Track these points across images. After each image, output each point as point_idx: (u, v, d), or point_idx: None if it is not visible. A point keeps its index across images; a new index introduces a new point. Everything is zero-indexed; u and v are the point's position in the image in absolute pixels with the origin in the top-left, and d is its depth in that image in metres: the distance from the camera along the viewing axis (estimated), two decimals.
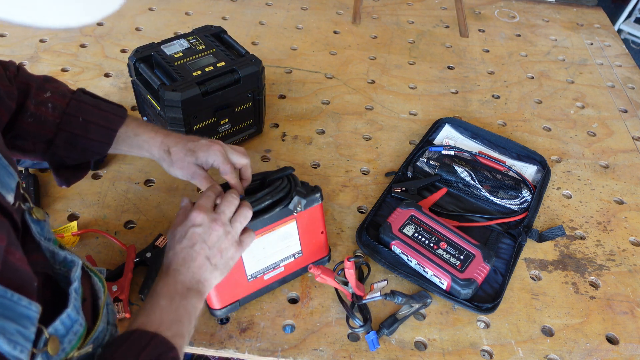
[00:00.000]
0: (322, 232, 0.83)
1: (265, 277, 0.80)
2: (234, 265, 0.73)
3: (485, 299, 0.83)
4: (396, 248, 0.86)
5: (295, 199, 0.76)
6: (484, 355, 0.78)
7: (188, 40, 1.00)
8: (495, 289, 0.85)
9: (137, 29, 1.36)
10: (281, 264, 0.80)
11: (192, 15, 1.43)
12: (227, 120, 0.99)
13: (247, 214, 0.68)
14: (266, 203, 0.74)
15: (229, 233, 0.65)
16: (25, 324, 0.43)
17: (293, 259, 0.81)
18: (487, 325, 0.82)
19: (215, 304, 0.76)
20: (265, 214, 0.73)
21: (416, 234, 0.87)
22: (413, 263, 0.85)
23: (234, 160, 0.74)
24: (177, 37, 1.01)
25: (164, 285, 0.61)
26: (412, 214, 0.90)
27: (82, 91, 0.73)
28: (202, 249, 0.63)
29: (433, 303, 0.83)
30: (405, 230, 0.87)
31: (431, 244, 0.85)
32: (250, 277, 0.78)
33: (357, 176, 1.03)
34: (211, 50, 0.98)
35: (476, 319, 0.82)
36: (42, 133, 0.69)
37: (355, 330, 0.77)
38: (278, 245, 0.78)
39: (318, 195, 0.78)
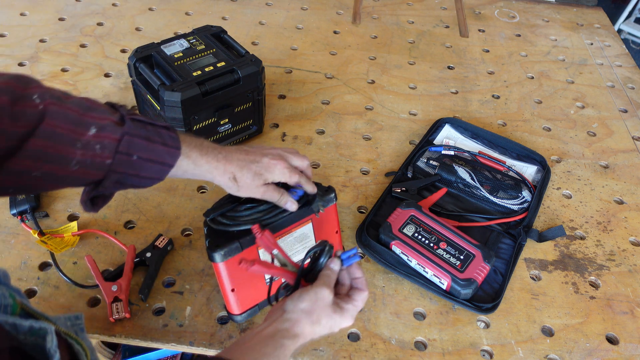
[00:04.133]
0: (337, 232, 0.82)
1: (283, 280, 0.79)
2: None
3: (485, 299, 0.83)
4: (396, 248, 0.86)
5: (317, 200, 0.75)
6: (484, 355, 0.78)
7: (188, 40, 1.00)
8: (495, 289, 0.85)
9: (137, 29, 1.36)
10: None
11: (192, 15, 1.43)
12: (227, 120, 0.99)
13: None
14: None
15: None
16: None
17: (309, 260, 0.80)
18: (487, 325, 0.82)
19: (235, 310, 0.75)
20: (283, 215, 0.73)
21: (416, 234, 0.87)
22: (413, 263, 0.85)
23: (296, 164, 0.73)
24: (177, 37, 1.01)
25: (270, 331, 0.59)
26: (412, 214, 0.90)
27: (131, 119, 0.61)
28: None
29: (433, 303, 0.83)
30: (405, 230, 0.87)
31: (431, 244, 0.85)
32: (269, 280, 0.76)
33: (357, 176, 1.03)
34: (211, 50, 0.98)
35: (476, 319, 0.82)
36: (89, 177, 0.59)
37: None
38: (295, 247, 0.78)
39: (332, 195, 0.78)
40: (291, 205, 0.71)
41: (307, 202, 0.75)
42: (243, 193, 0.69)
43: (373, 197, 0.99)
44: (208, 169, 0.66)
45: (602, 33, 1.56)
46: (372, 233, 0.90)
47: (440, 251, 0.84)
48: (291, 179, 0.71)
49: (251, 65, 0.96)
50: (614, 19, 2.91)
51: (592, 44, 1.51)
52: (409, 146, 1.11)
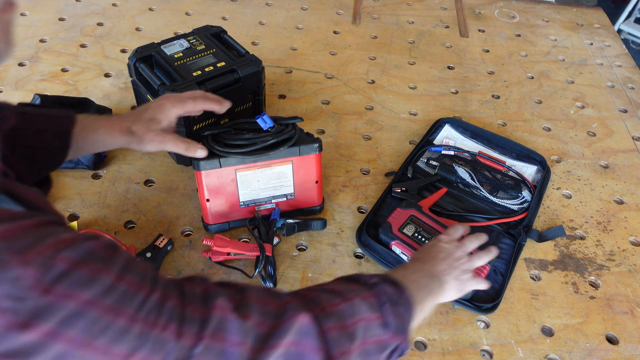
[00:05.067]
0: (316, 182, 0.89)
1: (257, 210, 0.88)
2: (230, 190, 0.84)
3: (485, 299, 0.83)
4: (396, 248, 0.86)
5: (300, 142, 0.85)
6: (484, 355, 0.78)
7: (188, 40, 1.00)
8: (495, 289, 0.85)
9: (137, 29, 1.36)
10: (273, 201, 0.89)
11: (192, 15, 1.43)
12: (227, 120, 0.99)
13: (493, 251, 0.76)
14: (271, 141, 0.81)
15: (468, 261, 0.73)
16: None
17: (285, 199, 0.89)
18: (487, 325, 0.82)
19: (210, 219, 0.87)
20: (270, 150, 0.81)
21: (416, 234, 0.87)
22: None
23: (187, 96, 0.78)
24: (177, 37, 1.01)
25: (432, 266, 0.69)
26: (412, 214, 0.90)
27: (21, 105, 0.70)
28: (446, 258, 0.71)
29: None
30: (405, 230, 0.87)
31: None
32: (242, 204, 0.87)
33: (357, 176, 1.03)
34: (211, 50, 0.98)
35: (476, 319, 0.82)
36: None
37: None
38: (272, 182, 0.86)
39: (317, 145, 0.85)
40: (201, 152, 0.77)
41: (289, 140, 0.82)
42: (146, 144, 0.74)
43: (373, 197, 0.99)
44: (105, 131, 0.73)
45: (602, 33, 1.56)
46: (372, 233, 0.90)
47: None
48: (186, 106, 0.76)
49: (251, 65, 0.96)
50: (614, 19, 2.91)
51: (592, 44, 1.51)
52: (409, 146, 1.11)
